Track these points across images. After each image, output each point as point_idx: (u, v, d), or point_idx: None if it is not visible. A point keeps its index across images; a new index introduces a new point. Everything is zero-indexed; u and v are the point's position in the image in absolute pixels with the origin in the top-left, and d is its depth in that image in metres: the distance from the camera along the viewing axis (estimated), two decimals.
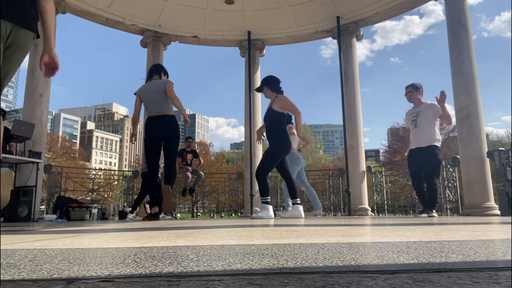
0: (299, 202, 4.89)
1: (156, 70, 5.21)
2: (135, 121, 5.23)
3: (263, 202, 4.79)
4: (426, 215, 5.14)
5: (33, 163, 6.42)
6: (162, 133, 4.87)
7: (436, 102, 5.21)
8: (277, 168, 5.02)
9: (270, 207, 4.76)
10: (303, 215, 4.89)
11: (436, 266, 0.80)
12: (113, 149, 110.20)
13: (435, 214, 5.18)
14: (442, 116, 5.18)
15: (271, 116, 4.94)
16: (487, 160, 6.34)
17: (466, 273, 0.71)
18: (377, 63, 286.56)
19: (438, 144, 5.23)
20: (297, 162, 6.21)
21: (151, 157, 5.00)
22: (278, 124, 4.89)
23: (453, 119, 5.35)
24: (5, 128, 6.27)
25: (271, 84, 5.01)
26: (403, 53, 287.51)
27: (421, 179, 5.25)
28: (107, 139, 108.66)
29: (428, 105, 5.29)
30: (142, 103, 5.05)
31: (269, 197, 4.84)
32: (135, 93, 5.12)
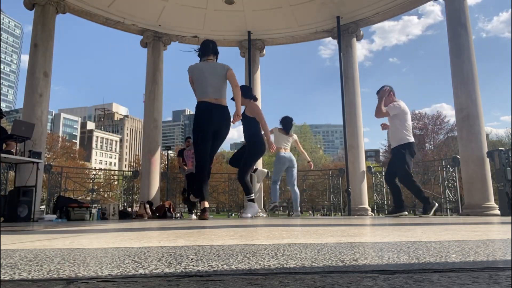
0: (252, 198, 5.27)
1: (213, 50, 4.61)
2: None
3: (248, 200, 5.26)
4: (401, 213, 5.35)
5: (33, 163, 6.42)
6: (220, 125, 4.41)
7: (398, 102, 5.43)
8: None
9: (255, 204, 5.21)
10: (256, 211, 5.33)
11: (436, 266, 0.80)
12: (113, 149, 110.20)
13: (405, 212, 5.43)
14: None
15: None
16: (487, 160, 6.34)
17: (466, 273, 0.71)
18: (375, 63, 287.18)
19: (404, 142, 5.30)
20: (279, 161, 6.53)
21: (207, 149, 4.46)
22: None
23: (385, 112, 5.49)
24: (2, 128, 6.27)
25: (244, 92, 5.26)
26: (402, 54, 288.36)
27: (393, 178, 5.47)
28: (107, 139, 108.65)
29: (391, 105, 5.44)
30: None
31: (253, 195, 5.26)
32: (188, 70, 4.50)
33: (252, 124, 5.21)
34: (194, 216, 7.35)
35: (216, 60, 4.65)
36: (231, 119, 4.49)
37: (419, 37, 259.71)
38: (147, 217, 7.95)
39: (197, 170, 4.49)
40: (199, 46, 4.68)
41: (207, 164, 4.45)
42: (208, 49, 4.57)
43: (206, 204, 4.43)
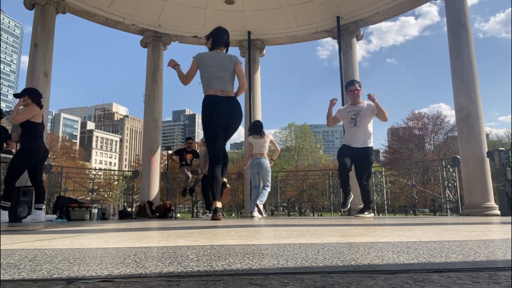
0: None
1: (226, 41, 4.40)
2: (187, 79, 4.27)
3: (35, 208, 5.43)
4: (345, 209, 5.37)
5: None
6: (229, 118, 4.13)
7: (371, 102, 5.24)
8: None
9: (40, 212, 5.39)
10: (43, 219, 5.42)
11: (436, 266, 0.80)
12: (113, 149, 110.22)
13: (368, 214, 5.28)
14: (377, 114, 5.19)
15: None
16: (487, 160, 6.34)
17: (466, 273, 0.71)
18: (373, 64, 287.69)
19: (372, 145, 5.32)
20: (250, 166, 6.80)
21: (220, 142, 4.21)
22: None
23: (387, 115, 5.27)
24: (3, 128, 6.28)
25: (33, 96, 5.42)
26: (400, 54, 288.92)
27: (347, 174, 5.23)
28: (107, 139, 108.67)
29: (367, 105, 5.25)
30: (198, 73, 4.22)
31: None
32: (194, 57, 4.23)
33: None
34: (206, 216, 7.35)
35: (226, 52, 4.44)
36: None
37: (416, 38, 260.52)
38: (148, 217, 7.96)
39: (210, 168, 4.24)
40: (213, 31, 4.39)
41: (220, 161, 4.18)
42: (221, 39, 4.33)
43: (218, 204, 4.11)
